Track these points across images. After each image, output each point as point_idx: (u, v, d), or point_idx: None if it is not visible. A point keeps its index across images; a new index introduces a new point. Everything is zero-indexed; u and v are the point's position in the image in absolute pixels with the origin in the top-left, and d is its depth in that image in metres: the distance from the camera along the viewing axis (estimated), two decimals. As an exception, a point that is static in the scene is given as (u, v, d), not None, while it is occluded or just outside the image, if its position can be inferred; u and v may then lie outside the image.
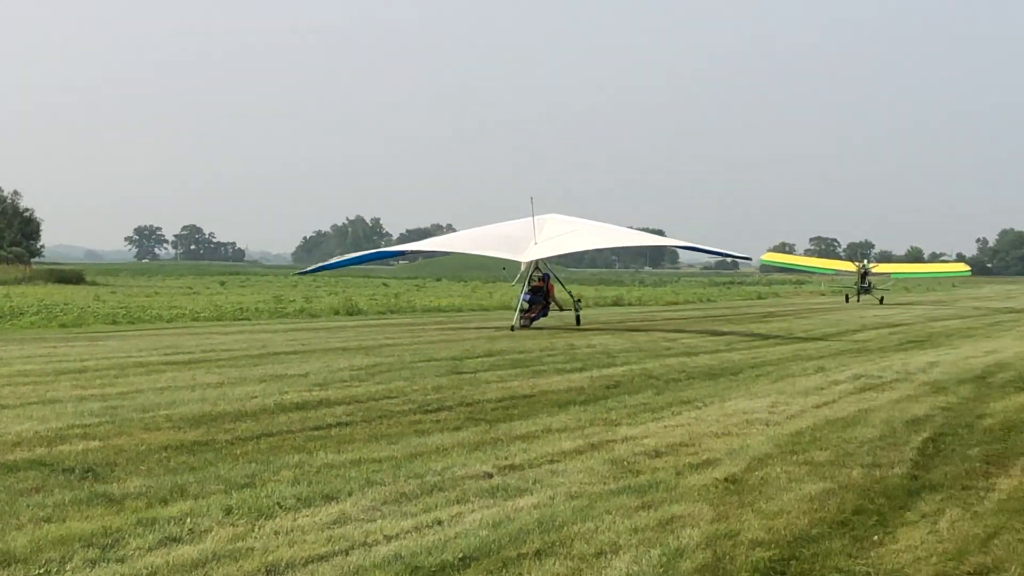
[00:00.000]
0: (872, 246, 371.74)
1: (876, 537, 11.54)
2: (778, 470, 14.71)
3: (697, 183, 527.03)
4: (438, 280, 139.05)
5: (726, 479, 14.04)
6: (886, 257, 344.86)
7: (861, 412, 20.27)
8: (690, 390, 23.36)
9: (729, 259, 47.34)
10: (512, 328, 41.65)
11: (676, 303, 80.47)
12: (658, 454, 15.68)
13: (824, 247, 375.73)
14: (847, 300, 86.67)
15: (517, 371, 26.49)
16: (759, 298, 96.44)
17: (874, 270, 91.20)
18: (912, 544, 11.32)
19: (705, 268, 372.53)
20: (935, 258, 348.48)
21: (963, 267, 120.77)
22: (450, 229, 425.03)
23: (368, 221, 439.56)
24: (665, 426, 18.19)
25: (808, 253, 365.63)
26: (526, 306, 42.49)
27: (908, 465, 15.23)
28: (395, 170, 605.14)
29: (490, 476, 13.97)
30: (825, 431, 17.93)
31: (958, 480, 14.36)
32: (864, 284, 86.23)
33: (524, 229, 40.73)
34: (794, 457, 15.63)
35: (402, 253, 44.83)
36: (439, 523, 11.66)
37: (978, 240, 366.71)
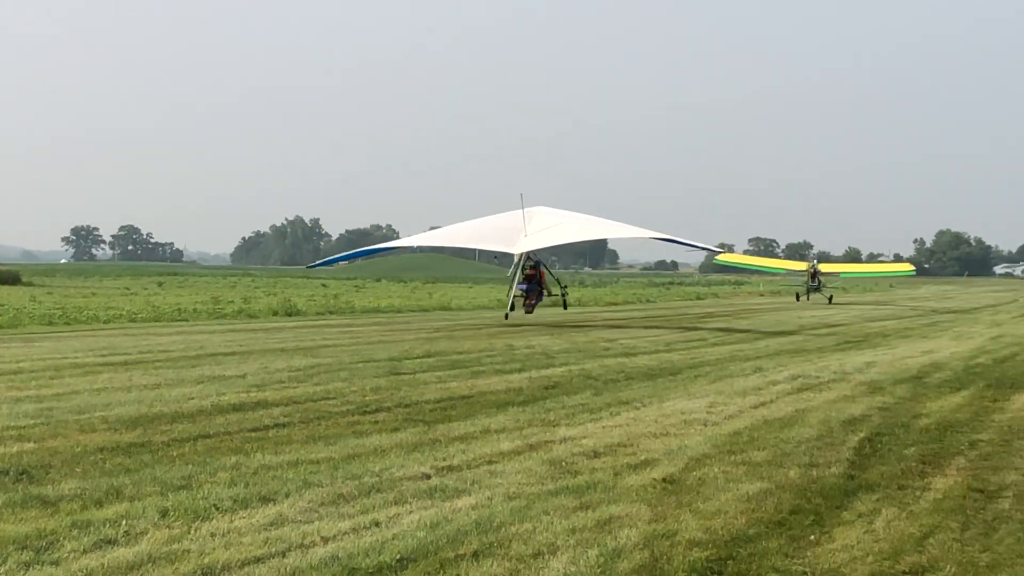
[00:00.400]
0: (811, 246, 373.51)
1: (813, 537, 11.61)
2: (716, 470, 14.77)
3: (636, 184, 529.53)
4: (377, 281, 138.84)
5: (664, 479, 14.08)
6: (824, 257, 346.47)
7: (798, 412, 20.39)
8: (629, 390, 23.42)
9: (704, 251, 48.78)
10: (506, 317, 42.13)
11: (616, 304, 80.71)
12: (596, 454, 15.71)
13: (763, 247, 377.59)
14: (797, 299, 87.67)
15: (456, 372, 26.47)
16: (698, 299, 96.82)
17: (823, 270, 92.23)
18: (848, 543, 11.39)
19: (645, 269, 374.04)
20: (873, 259, 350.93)
21: (908, 267, 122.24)
22: (390, 230, 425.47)
23: (307, 222, 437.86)
24: (604, 427, 18.23)
25: (747, 253, 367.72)
26: (519, 293, 43.04)
27: (845, 465, 15.34)
28: (334, 170, 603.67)
29: (428, 477, 13.96)
30: (763, 431, 18.02)
31: (894, 480, 14.46)
32: (814, 283, 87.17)
33: (514, 221, 41.77)
34: (732, 457, 15.71)
35: (398, 248, 45.89)
36: (377, 524, 11.65)
37: (915, 241, 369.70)
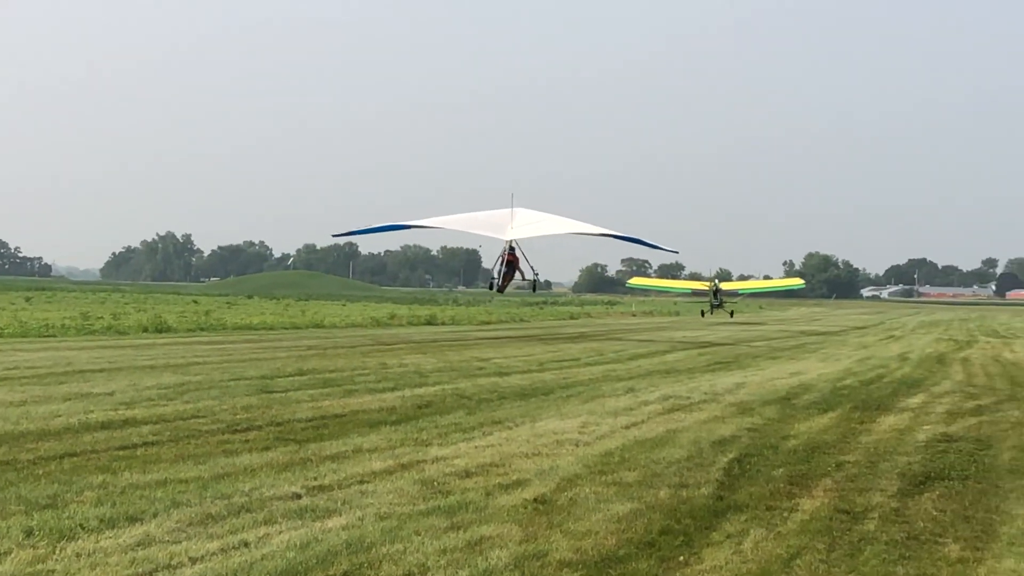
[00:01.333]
0: (682, 268, 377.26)
1: (682, 558, 11.71)
2: (587, 490, 14.83)
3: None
4: (249, 298, 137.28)
5: (535, 500, 14.11)
6: (696, 279, 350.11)
7: (669, 433, 20.55)
8: (501, 410, 23.45)
9: (660, 250, 51.83)
10: (491, 287, 47.67)
11: (490, 322, 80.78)
12: (468, 474, 15.71)
13: (635, 268, 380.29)
14: (703, 315, 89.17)
15: (328, 390, 26.33)
16: (572, 318, 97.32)
17: (724, 287, 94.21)
18: (717, 564, 11.50)
19: (519, 288, 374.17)
20: (743, 280, 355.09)
21: (799, 281, 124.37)
22: (263, 247, 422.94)
23: (179, 237, 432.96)
24: (476, 446, 18.23)
25: (620, 274, 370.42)
26: (495, 276, 46.30)
27: (714, 486, 15.49)
28: (206, 186, 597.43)
29: (299, 497, 13.86)
30: (634, 451, 18.14)
31: (762, 501, 14.63)
32: (716, 300, 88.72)
33: (502, 217, 46.20)
34: (603, 478, 15.78)
35: (408, 226, 49.68)
36: (246, 545, 11.55)
37: (785, 263, 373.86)
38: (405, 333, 58.71)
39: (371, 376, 30.45)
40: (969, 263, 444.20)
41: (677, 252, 58.32)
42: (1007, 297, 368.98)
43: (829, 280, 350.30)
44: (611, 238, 54.23)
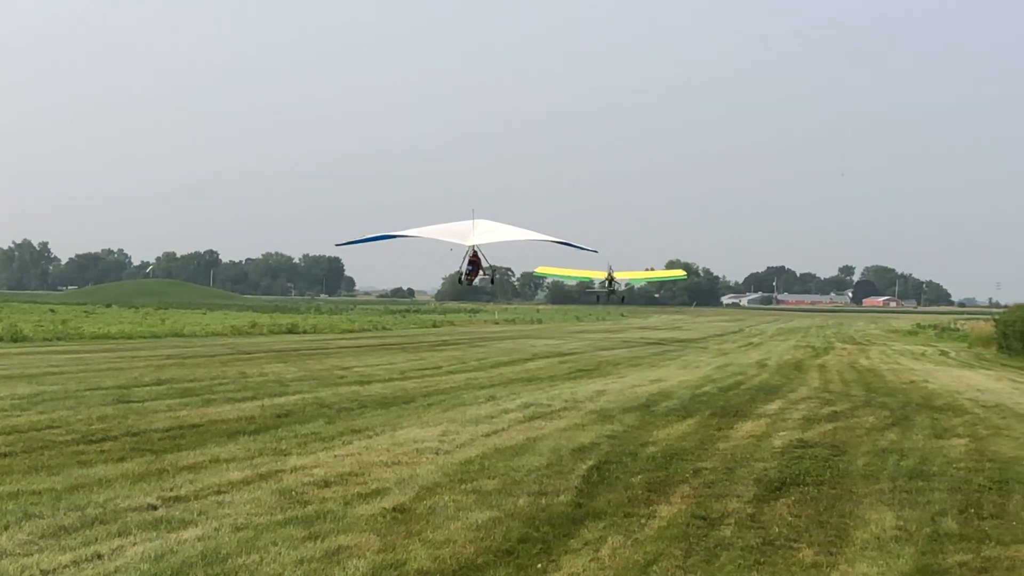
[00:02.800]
0: (546, 276, 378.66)
1: (540, 565, 11.74)
2: (446, 499, 14.82)
3: (375, 217, 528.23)
4: (108, 307, 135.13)
5: (394, 509, 14.07)
6: (559, 287, 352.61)
7: (530, 440, 20.61)
8: (362, 419, 23.36)
9: (584, 250, 55.08)
10: (459, 281, 49.74)
11: (352, 331, 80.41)
12: (327, 484, 15.62)
13: (499, 275, 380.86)
14: (597, 300, 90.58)
15: (187, 400, 26.03)
16: (435, 327, 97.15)
17: (616, 276, 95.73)
18: (574, 572, 11.56)
19: (381, 296, 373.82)
20: (602, 287, 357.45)
21: (680, 272, 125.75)
22: (122, 255, 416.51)
23: (36, 245, 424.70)
24: (336, 455, 18.14)
25: (482, 282, 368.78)
26: (467, 271, 50.31)
27: (573, 493, 15.56)
28: (64, 193, 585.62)
29: (154, 508, 13.68)
30: (494, 459, 18.16)
31: (621, 507, 14.72)
32: (610, 288, 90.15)
33: (465, 226, 48.14)
34: (463, 486, 15.78)
35: (395, 236, 52.85)
36: (99, 557, 11.37)
37: (647, 270, 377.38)
38: (266, 342, 58.26)
39: (230, 385, 30.16)
40: (826, 271, 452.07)
41: (596, 252, 61.98)
42: (863, 304, 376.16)
43: (690, 288, 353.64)
44: (552, 243, 57.59)
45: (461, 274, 52.82)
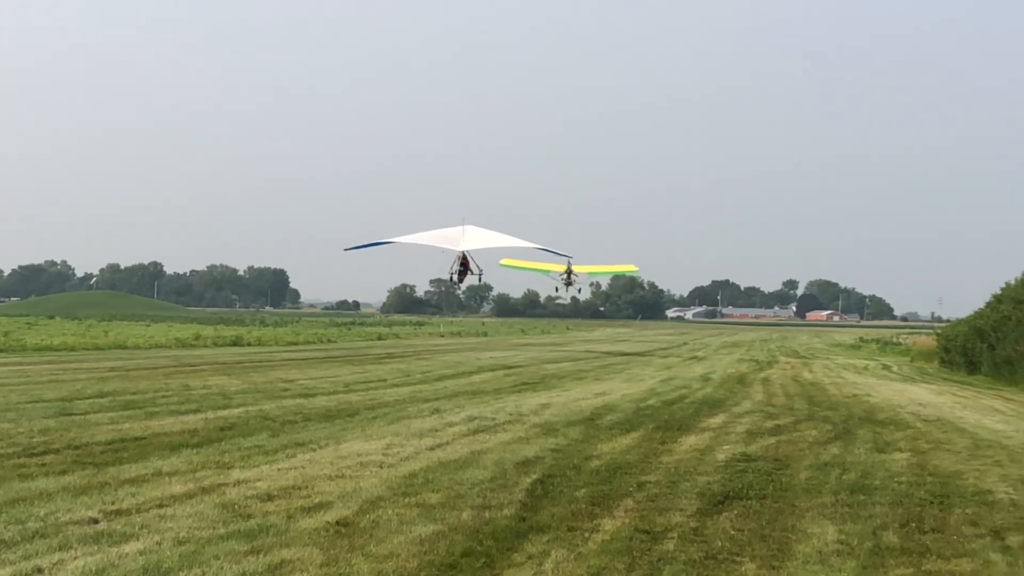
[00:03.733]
0: (491, 288, 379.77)
1: (483, 578, 11.75)
2: (390, 512, 14.80)
3: (324, 229, 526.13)
4: (51, 318, 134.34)
5: (338, 522, 14.04)
6: (504, 300, 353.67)
7: (474, 454, 20.60)
8: (306, 432, 23.29)
9: (560, 255, 56.77)
10: (450, 279, 48.83)
11: (297, 343, 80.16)
12: (270, 497, 15.57)
13: (444, 288, 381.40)
14: (556, 291, 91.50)
15: (129, 412, 25.87)
16: (379, 339, 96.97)
17: (575, 269, 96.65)
18: (518, 585, 11.57)
19: (327, 308, 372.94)
20: (551, 301, 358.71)
21: (632, 267, 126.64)
22: (65, 266, 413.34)
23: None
24: (279, 469, 18.08)
25: (428, 294, 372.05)
26: (454, 273, 48.44)
27: (517, 507, 15.57)
28: (4, 203, 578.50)
29: (96, 522, 13.59)
30: (438, 473, 18.15)
31: (564, 521, 14.74)
32: (568, 280, 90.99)
33: (455, 232, 49.13)
34: (406, 499, 15.77)
35: (390, 242, 54.07)
36: (39, 571, 11.31)
37: (592, 284, 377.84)
38: (210, 354, 57.99)
39: (174, 398, 30.01)
40: (771, 285, 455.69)
41: (571, 256, 64.24)
42: (807, 318, 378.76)
43: (635, 301, 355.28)
44: (537, 250, 59.46)
45: (452, 275, 54.34)
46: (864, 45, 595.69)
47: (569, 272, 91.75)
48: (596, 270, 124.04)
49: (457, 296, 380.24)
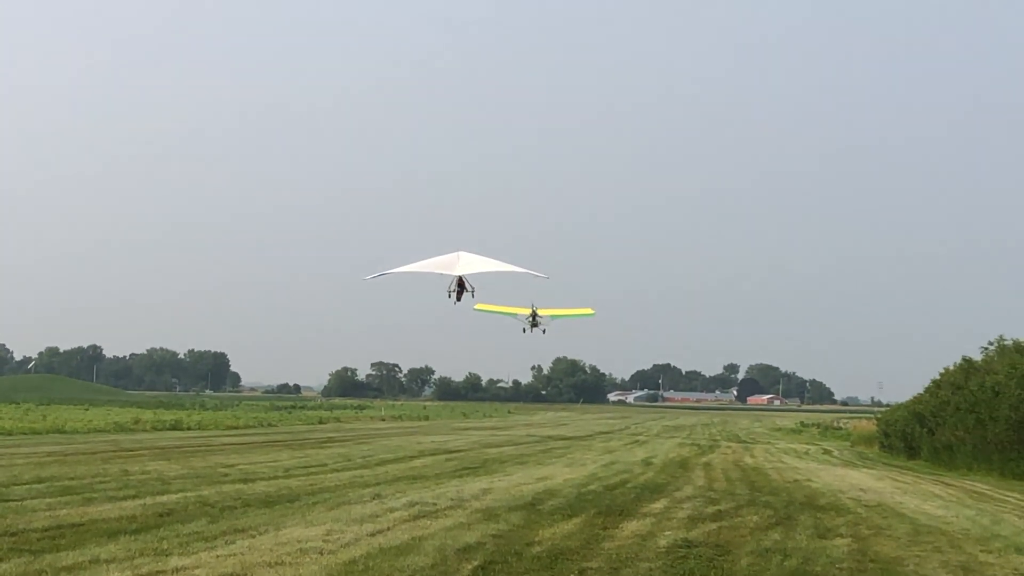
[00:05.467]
0: (433, 371, 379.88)
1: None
2: (330, 601, 14.69)
3: (262, 311, 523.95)
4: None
5: (277, 610, 13.93)
6: (446, 383, 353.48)
7: (415, 540, 20.50)
8: (246, 518, 23.11)
9: (536, 276, 57.00)
10: (448, 296, 46.28)
11: (237, 427, 79.66)
12: (209, 585, 15.42)
13: (385, 372, 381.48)
14: (524, 331, 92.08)
15: (67, 498, 25.58)
16: (320, 423, 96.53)
17: (539, 312, 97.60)
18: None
19: (267, 392, 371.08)
20: (493, 384, 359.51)
21: (589, 310, 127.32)
22: (3, 350, 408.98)
23: None
24: (218, 556, 17.92)
25: (370, 378, 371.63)
26: (454, 289, 49.75)
27: (459, 594, 15.49)
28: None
29: (31, 611, 13.43)
30: (378, 559, 18.04)
31: (506, 608, 14.69)
32: (534, 322, 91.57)
33: (451, 258, 49.13)
34: (347, 587, 15.66)
35: (385, 273, 54.31)
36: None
37: (533, 368, 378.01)
38: (149, 439, 57.52)
39: (112, 483, 29.72)
40: (712, 368, 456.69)
41: (548, 277, 65.15)
42: (748, 402, 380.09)
43: (576, 384, 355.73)
44: (518, 273, 60.39)
45: (450, 293, 55.61)
46: (798, 156, 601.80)
47: (534, 315, 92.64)
48: (557, 313, 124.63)
49: (399, 380, 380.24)
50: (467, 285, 55.80)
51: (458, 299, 57.08)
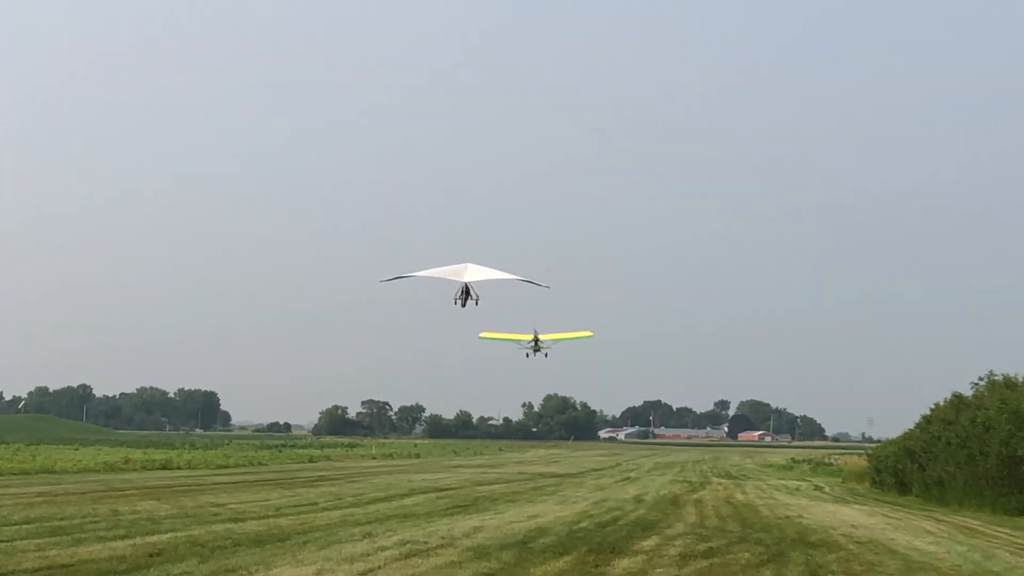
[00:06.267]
0: (423, 409, 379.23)
1: None
2: (321, 640, 14.65)
3: (248, 348, 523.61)
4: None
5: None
6: (436, 421, 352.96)
7: (405, 579, 20.46)
8: (236, 558, 23.07)
9: (538, 286, 57.83)
10: (455, 302, 46.27)
11: (227, 466, 79.46)
12: (199, 626, 15.38)
13: (376, 410, 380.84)
14: (527, 356, 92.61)
15: (56, 539, 25.52)
16: (311, 461, 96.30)
17: (541, 337, 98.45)
18: None
19: (257, 430, 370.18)
20: (484, 422, 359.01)
21: (588, 332, 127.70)
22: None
23: None
24: (209, 596, 17.87)
25: (360, 416, 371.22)
26: (459, 296, 50.28)
27: (449, 633, 15.45)
28: None
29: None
30: (370, 599, 18.00)
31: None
32: (536, 346, 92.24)
33: (460, 268, 50.27)
34: (337, 627, 15.62)
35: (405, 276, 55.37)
36: None
37: (524, 405, 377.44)
38: (139, 478, 57.36)
39: (102, 523, 29.66)
40: (702, 405, 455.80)
41: (549, 287, 65.93)
42: (739, 438, 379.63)
43: (567, 422, 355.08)
44: (524, 282, 60.94)
45: (457, 299, 56.45)
46: (786, 197, 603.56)
47: (536, 340, 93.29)
48: (557, 337, 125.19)
49: (389, 417, 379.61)
50: (472, 293, 57.07)
51: (463, 305, 58.14)
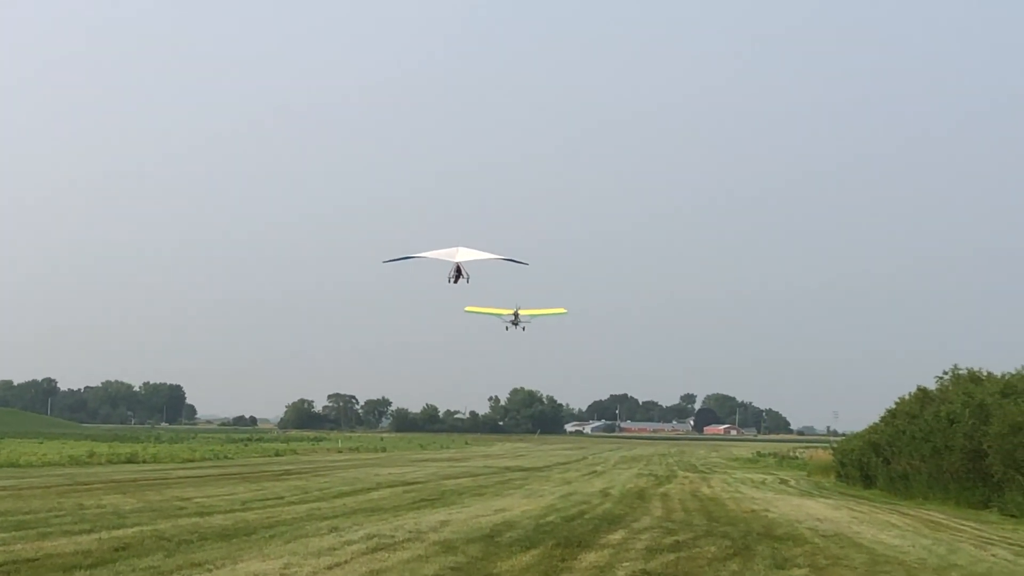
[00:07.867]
0: (390, 403, 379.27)
1: None
2: (287, 635, 14.63)
3: (214, 342, 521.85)
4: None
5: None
6: (403, 415, 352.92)
7: (372, 573, 20.46)
8: (202, 552, 22.99)
9: (519, 263, 59.05)
10: (448, 280, 50.15)
11: (193, 460, 79.17)
12: (166, 620, 15.33)
13: (342, 403, 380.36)
14: (507, 328, 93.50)
15: (21, 533, 25.39)
16: (277, 455, 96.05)
17: (520, 312, 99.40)
18: None
19: (223, 424, 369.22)
20: (450, 416, 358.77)
21: (562, 309, 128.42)
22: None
23: None
24: (174, 591, 17.81)
25: (326, 410, 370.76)
26: (451, 275, 53.07)
27: (416, 627, 15.45)
28: None
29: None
30: (336, 593, 17.96)
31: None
32: (516, 320, 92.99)
33: (451, 250, 54.68)
34: (304, 621, 15.59)
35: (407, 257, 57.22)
36: None
37: (491, 398, 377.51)
38: (104, 472, 57.10)
39: (67, 518, 29.51)
40: (668, 399, 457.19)
41: (528, 264, 67.49)
42: (705, 432, 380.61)
43: (534, 416, 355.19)
44: (506, 260, 61.94)
45: (450, 278, 56.70)
46: (750, 183, 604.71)
47: (516, 315, 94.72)
48: (535, 312, 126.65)
49: (355, 411, 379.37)
50: (463, 273, 58.12)
51: (455, 282, 59.23)
